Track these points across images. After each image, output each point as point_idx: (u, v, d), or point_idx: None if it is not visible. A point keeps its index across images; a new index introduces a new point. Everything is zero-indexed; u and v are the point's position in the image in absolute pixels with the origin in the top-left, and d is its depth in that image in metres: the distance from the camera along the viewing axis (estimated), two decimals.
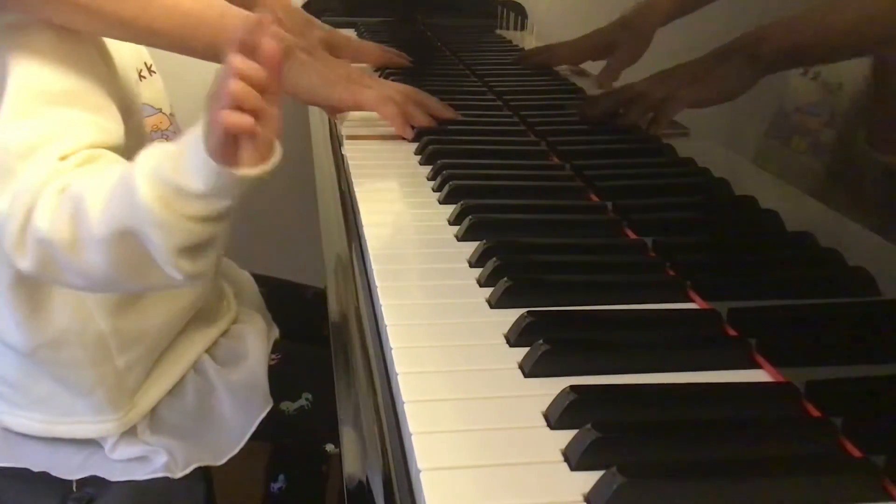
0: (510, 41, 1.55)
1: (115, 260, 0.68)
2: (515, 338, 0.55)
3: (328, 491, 1.05)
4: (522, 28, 1.68)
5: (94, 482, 0.85)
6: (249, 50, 0.61)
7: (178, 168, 0.64)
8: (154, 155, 0.66)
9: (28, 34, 0.73)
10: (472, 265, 0.66)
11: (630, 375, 0.52)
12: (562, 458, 0.44)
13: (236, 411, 0.90)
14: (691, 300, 0.62)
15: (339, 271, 0.72)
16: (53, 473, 0.85)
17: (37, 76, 0.72)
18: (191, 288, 0.86)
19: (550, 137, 0.95)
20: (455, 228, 0.72)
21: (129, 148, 0.78)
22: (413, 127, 0.94)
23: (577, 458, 0.43)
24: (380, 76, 1.15)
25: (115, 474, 0.85)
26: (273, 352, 0.96)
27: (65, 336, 0.82)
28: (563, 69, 1.29)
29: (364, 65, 1.24)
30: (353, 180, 0.83)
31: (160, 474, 0.85)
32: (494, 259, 0.63)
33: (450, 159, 0.86)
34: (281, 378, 0.93)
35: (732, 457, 0.45)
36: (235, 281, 1.02)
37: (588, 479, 0.42)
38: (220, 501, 0.95)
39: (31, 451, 0.85)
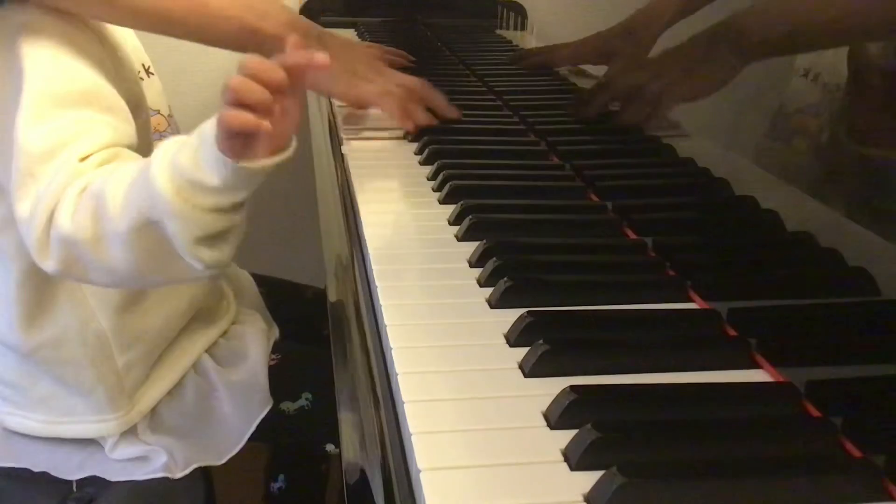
0: (510, 41, 1.55)
1: (139, 253, 0.68)
2: (515, 338, 0.55)
3: (328, 491, 1.05)
4: (522, 28, 1.68)
5: (94, 482, 0.85)
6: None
7: (193, 161, 0.65)
8: (172, 146, 0.67)
9: (40, 33, 0.73)
10: (472, 265, 0.66)
11: (630, 375, 0.52)
12: (562, 458, 0.44)
13: (236, 411, 0.90)
14: (691, 300, 0.62)
15: (339, 271, 0.72)
16: (53, 473, 0.85)
17: (52, 78, 0.72)
18: (208, 280, 0.86)
19: (550, 137, 0.95)
20: (455, 228, 0.72)
21: (138, 145, 0.79)
22: (413, 123, 0.94)
23: (577, 458, 0.43)
24: None
25: (115, 474, 0.85)
26: (273, 352, 0.96)
27: (66, 334, 0.82)
28: (563, 69, 1.29)
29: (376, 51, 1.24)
30: (353, 180, 0.83)
31: (160, 474, 0.85)
32: (494, 259, 0.63)
33: (450, 159, 0.86)
34: (281, 378, 0.93)
35: (732, 457, 0.45)
36: (235, 281, 1.02)
37: (588, 479, 0.42)
38: (220, 501, 0.95)
39: (31, 451, 0.85)
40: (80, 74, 0.74)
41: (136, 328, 0.85)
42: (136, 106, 0.84)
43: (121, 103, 0.77)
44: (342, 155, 0.92)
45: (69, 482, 0.85)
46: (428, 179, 0.84)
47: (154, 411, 0.88)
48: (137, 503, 0.85)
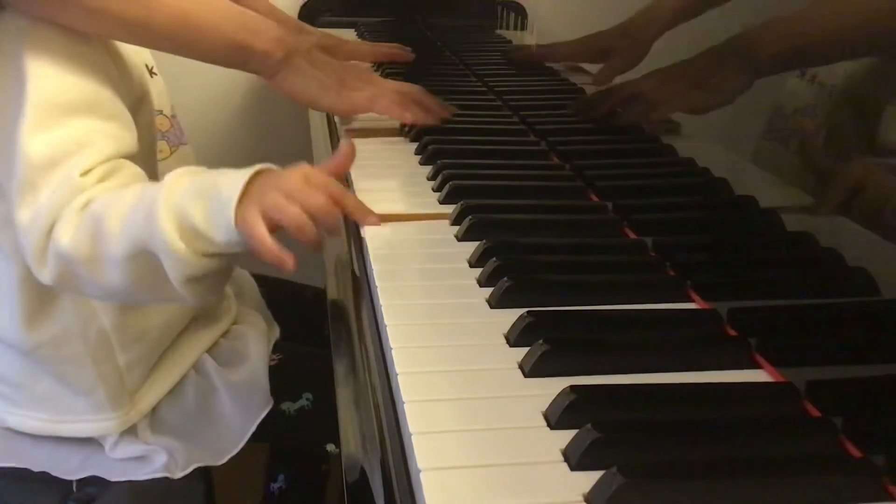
0: (510, 41, 1.55)
1: (133, 277, 0.70)
2: (515, 338, 0.55)
3: (328, 491, 1.05)
4: (522, 28, 1.68)
5: (94, 482, 0.85)
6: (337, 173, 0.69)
7: (203, 217, 0.67)
8: (182, 188, 0.69)
9: (41, 37, 0.73)
10: (472, 265, 0.66)
11: (630, 375, 0.52)
12: (562, 458, 0.44)
13: (237, 411, 0.90)
14: (691, 300, 0.62)
15: (339, 271, 0.72)
16: (53, 473, 0.85)
17: (54, 84, 0.73)
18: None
19: (550, 137, 0.95)
20: (455, 228, 0.72)
21: (141, 144, 0.79)
22: (411, 113, 0.94)
23: (577, 458, 0.43)
24: (380, 75, 1.16)
25: (115, 474, 0.85)
26: (273, 352, 0.96)
27: (67, 333, 0.82)
28: (560, 67, 1.29)
29: (367, 64, 1.24)
30: (353, 180, 0.83)
31: (160, 474, 0.85)
32: (494, 259, 0.63)
33: (450, 159, 0.86)
34: (281, 378, 0.93)
35: (732, 457, 0.45)
36: (236, 281, 1.03)
37: (588, 479, 0.42)
38: (220, 501, 0.95)
39: (32, 450, 0.85)
40: (82, 82, 0.74)
41: (138, 327, 0.85)
42: (141, 101, 0.84)
43: (122, 110, 0.77)
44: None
45: (69, 482, 0.85)
46: (428, 179, 0.84)
47: (154, 411, 0.88)
48: (137, 503, 0.85)
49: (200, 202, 0.67)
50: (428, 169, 0.86)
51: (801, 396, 0.50)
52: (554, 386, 0.49)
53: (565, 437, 0.45)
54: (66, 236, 0.69)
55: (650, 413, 0.49)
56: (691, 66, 0.90)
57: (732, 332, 0.57)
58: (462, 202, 0.74)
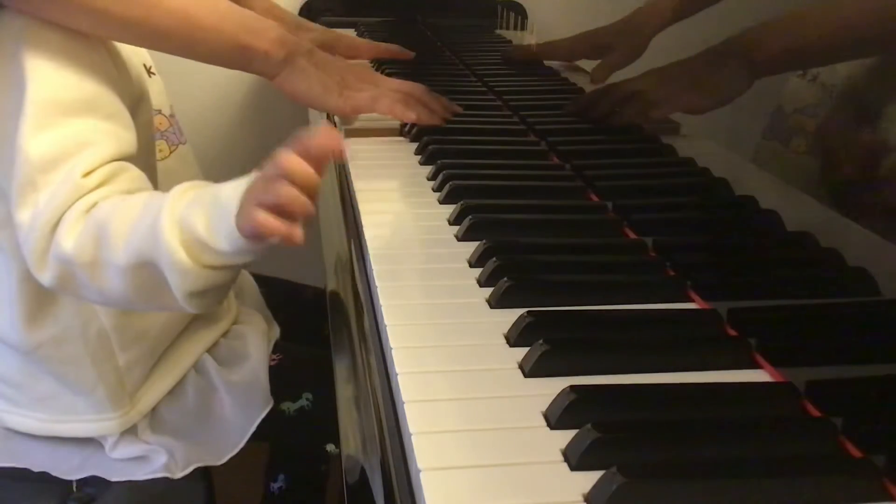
0: (510, 41, 1.55)
1: (134, 285, 0.70)
2: (515, 338, 0.55)
3: (328, 491, 1.05)
4: (522, 28, 1.68)
5: (94, 482, 0.85)
6: (305, 152, 0.63)
7: (206, 226, 0.67)
8: (185, 200, 0.68)
9: (41, 36, 0.73)
10: (472, 265, 0.66)
11: (630, 375, 0.52)
12: (562, 458, 0.44)
13: (237, 411, 0.90)
14: (691, 300, 0.62)
15: (339, 271, 0.72)
16: (53, 473, 0.85)
17: (54, 84, 0.73)
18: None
19: (550, 137, 0.95)
20: (455, 228, 0.72)
21: (139, 144, 0.79)
22: (415, 113, 0.93)
23: (577, 458, 0.43)
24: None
25: (115, 474, 0.85)
26: (273, 352, 0.96)
27: (67, 333, 0.82)
28: (560, 67, 1.29)
29: (366, 62, 1.24)
30: (353, 180, 0.83)
31: (160, 474, 0.85)
32: (494, 259, 0.63)
33: (450, 159, 0.86)
34: (281, 378, 0.93)
35: (732, 457, 0.45)
36: (236, 281, 1.02)
37: (588, 479, 0.42)
38: (220, 501, 0.95)
39: (31, 450, 0.86)
40: (82, 82, 0.74)
41: (138, 327, 0.85)
42: (140, 101, 0.84)
43: (122, 109, 0.77)
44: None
45: (69, 482, 0.85)
46: (428, 179, 0.84)
47: (154, 411, 0.88)
48: (137, 503, 0.85)
49: (202, 212, 0.67)
50: (428, 169, 0.86)
51: (801, 396, 0.50)
52: (554, 386, 0.49)
53: (565, 437, 0.45)
54: (70, 240, 0.69)
55: (650, 413, 0.49)
56: (691, 65, 0.90)
57: (732, 332, 0.57)
58: (462, 202, 0.74)
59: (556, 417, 0.47)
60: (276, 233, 0.63)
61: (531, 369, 0.51)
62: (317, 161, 0.63)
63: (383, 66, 1.22)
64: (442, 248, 0.69)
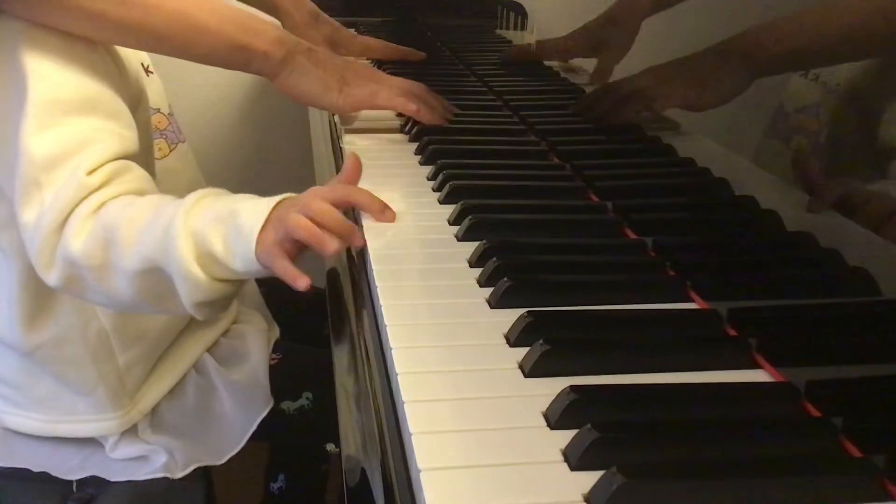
0: (510, 41, 1.55)
1: (140, 289, 0.71)
2: (515, 338, 0.55)
3: (328, 491, 1.05)
4: (522, 28, 1.68)
5: (94, 482, 0.85)
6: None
7: (223, 245, 0.67)
8: (200, 211, 0.69)
9: (41, 36, 0.73)
10: (472, 265, 0.66)
11: (630, 375, 0.52)
12: (562, 458, 0.44)
13: (237, 411, 0.90)
14: (691, 300, 0.62)
15: (339, 271, 0.72)
16: (53, 473, 0.85)
17: (55, 83, 0.73)
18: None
19: (550, 137, 0.95)
20: (455, 228, 0.72)
21: (139, 144, 0.79)
22: (416, 105, 0.93)
23: (577, 458, 0.43)
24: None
25: (115, 474, 0.85)
26: (273, 351, 0.96)
27: (67, 333, 0.82)
28: (560, 67, 1.29)
29: (366, 60, 1.24)
30: None
31: (160, 474, 0.85)
32: (494, 259, 0.63)
33: (450, 159, 0.86)
34: (281, 378, 0.93)
35: (732, 457, 0.45)
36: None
37: (588, 479, 0.42)
38: (220, 501, 0.95)
39: (31, 450, 0.86)
40: (83, 81, 0.74)
41: (138, 327, 0.85)
42: (138, 100, 0.84)
43: (123, 108, 0.77)
44: (342, 155, 0.92)
45: (69, 482, 0.85)
46: (428, 179, 0.84)
47: (155, 410, 0.88)
48: (137, 503, 0.85)
49: (220, 230, 0.67)
50: (428, 169, 0.86)
51: (801, 396, 0.50)
52: (554, 386, 0.49)
53: (565, 437, 0.45)
54: (78, 241, 0.69)
55: (650, 413, 0.49)
56: (691, 63, 0.90)
57: (732, 332, 0.57)
58: (462, 202, 0.74)
59: (556, 417, 0.47)
60: (287, 280, 0.66)
61: (531, 369, 0.51)
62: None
63: (383, 65, 1.22)
64: (442, 248, 0.69)
